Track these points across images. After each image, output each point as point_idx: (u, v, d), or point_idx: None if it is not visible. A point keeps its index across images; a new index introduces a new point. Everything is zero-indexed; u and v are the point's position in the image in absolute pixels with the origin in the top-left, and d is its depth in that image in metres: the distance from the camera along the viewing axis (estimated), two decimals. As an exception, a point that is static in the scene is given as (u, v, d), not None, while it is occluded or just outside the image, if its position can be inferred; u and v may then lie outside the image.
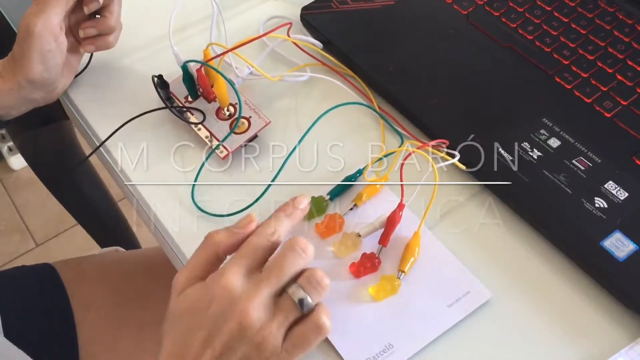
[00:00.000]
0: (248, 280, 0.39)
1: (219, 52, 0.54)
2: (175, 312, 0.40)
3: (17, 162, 1.52)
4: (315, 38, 0.60)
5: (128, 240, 1.00)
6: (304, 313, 0.39)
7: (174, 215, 0.51)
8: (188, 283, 0.41)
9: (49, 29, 0.50)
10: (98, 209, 0.93)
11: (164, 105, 0.55)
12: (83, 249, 1.34)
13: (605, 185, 0.48)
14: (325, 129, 0.54)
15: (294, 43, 0.58)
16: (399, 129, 0.54)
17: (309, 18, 0.60)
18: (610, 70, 0.54)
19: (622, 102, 0.53)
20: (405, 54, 0.57)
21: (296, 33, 0.60)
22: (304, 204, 0.45)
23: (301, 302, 0.39)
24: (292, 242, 0.40)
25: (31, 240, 1.43)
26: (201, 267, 0.42)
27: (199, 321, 0.39)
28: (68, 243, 1.41)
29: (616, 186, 0.48)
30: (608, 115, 0.52)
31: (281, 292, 0.40)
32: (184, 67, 0.53)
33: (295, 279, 0.40)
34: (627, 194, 0.48)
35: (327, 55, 0.58)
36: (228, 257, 0.43)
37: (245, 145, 0.53)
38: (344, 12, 0.60)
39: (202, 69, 0.53)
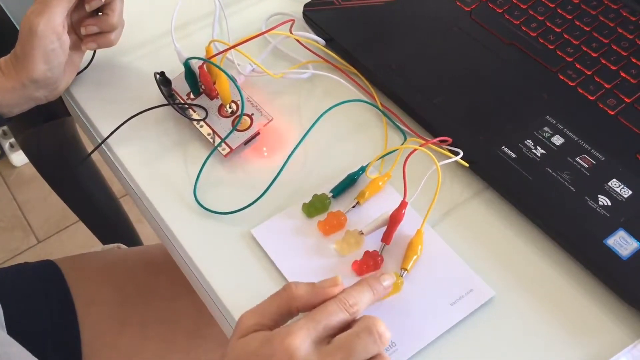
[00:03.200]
0: (314, 350, 0.37)
1: (221, 49, 0.54)
2: (232, 354, 0.38)
3: (19, 158, 1.52)
4: (318, 35, 0.59)
5: (130, 237, 1.00)
6: None
7: (176, 212, 0.51)
8: (254, 328, 0.39)
9: (51, 28, 0.49)
10: (100, 205, 0.93)
11: (166, 102, 0.55)
12: (85, 246, 1.34)
13: (609, 183, 0.48)
14: (327, 126, 0.54)
15: (297, 40, 0.58)
16: (402, 127, 0.54)
17: (311, 15, 0.60)
18: (614, 68, 0.54)
19: (626, 99, 0.52)
20: (408, 51, 0.57)
21: (298, 30, 0.60)
22: (389, 282, 0.42)
23: None
24: (370, 325, 0.38)
25: (33, 236, 1.43)
26: (271, 316, 0.39)
27: None
28: (70, 240, 1.41)
29: (620, 184, 0.48)
30: (612, 113, 0.52)
31: None
32: (186, 64, 0.53)
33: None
34: (630, 192, 0.47)
35: (330, 52, 0.58)
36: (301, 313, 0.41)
37: (248, 142, 0.53)
38: (346, 8, 0.60)
39: (205, 66, 0.53)
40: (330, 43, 0.59)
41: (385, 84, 0.56)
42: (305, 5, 0.61)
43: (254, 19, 0.63)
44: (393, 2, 0.60)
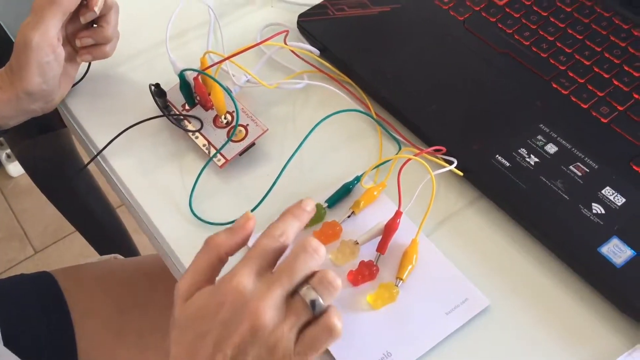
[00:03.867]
0: (259, 281, 0.38)
1: (216, 60, 0.54)
2: (182, 319, 0.39)
3: (16, 169, 1.52)
4: (312, 45, 0.60)
5: (127, 247, 1.00)
6: (315, 315, 0.39)
7: (172, 223, 0.51)
8: (193, 288, 0.40)
9: (46, 41, 0.50)
10: (96, 216, 0.93)
11: (161, 114, 0.55)
12: (82, 256, 1.34)
13: (603, 191, 0.48)
14: (322, 136, 0.54)
15: (291, 50, 0.58)
16: (397, 136, 0.54)
17: (305, 25, 0.61)
18: (606, 76, 0.55)
19: (618, 107, 0.53)
20: (402, 60, 0.57)
21: (293, 40, 0.60)
22: (311, 206, 0.44)
23: (313, 303, 0.38)
24: (304, 243, 0.40)
25: (30, 247, 1.43)
26: (204, 271, 0.41)
27: (208, 325, 0.38)
28: (67, 250, 1.41)
29: (613, 192, 0.48)
30: (605, 121, 0.52)
31: (293, 293, 0.39)
32: (181, 76, 0.53)
33: (306, 280, 0.39)
34: (624, 200, 0.48)
35: (324, 62, 0.58)
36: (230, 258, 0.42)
37: (243, 153, 0.53)
38: (340, 18, 0.60)
39: (199, 77, 0.53)
40: (324, 53, 0.59)
41: (379, 94, 0.56)
42: (300, 16, 0.61)
43: (249, 29, 0.63)
44: (387, 12, 0.61)
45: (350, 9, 0.61)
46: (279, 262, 0.40)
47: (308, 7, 0.62)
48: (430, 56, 0.58)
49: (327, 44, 0.59)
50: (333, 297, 0.39)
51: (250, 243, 0.42)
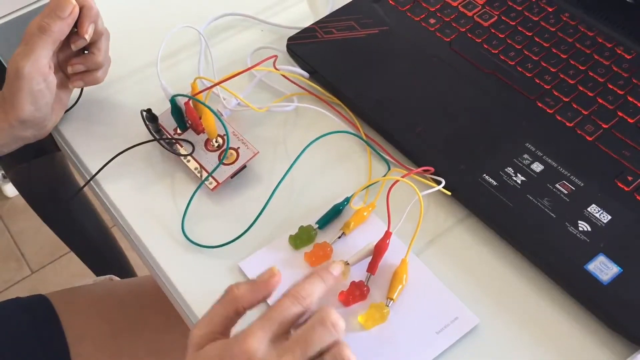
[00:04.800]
0: (272, 348, 0.38)
1: (207, 85, 0.55)
2: None
3: (12, 189, 1.52)
4: (302, 67, 0.61)
5: (122, 267, 1.01)
6: None
7: (165, 247, 0.51)
8: (206, 338, 0.39)
9: (37, 70, 0.50)
10: (92, 237, 0.93)
11: (152, 138, 0.55)
12: (78, 275, 1.34)
13: (589, 209, 0.49)
14: (313, 157, 0.55)
15: (282, 74, 0.59)
16: (386, 156, 0.55)
17: (294, 48, 0.61)
18: (591, 94, 0.55)
19: (603, 125, 0.53)
20: (390, 82, 0.58)
21: (283, 62, 0.61)
22: (339, 271, 0.43)
23: None
24: (323, 316, 0.38)
25: (27, 267, 1.43)
26: (220, 322, 0.40)
27: None
28: (63, 269, 1.41)
29: (599, 209, 0.49)
30: (590, 139, 0.53)
31: None
32: (172, 101, 0.54)
33: (321, 354, 0.38)
34: (610, 217, 0.48)
35: (314, 84, 0.59)
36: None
37: (234, 175, 0.54)
38: (329, 41, 0.61)
39: (190, 101, 0.54)
40: (314, 75, 0.60)
41: (368, 115, 0.57)
42: (289, 39, 0.62)
43: (239, 52, 0.64)
44: (374, 34, 0.62)
45: (338, 32, 0.62)
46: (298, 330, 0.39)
47: (297, 30, 0.63)
48: (417, 77, 0.58)
49: (316, 67, 0.60)
50: None
51: (271, 300, 0.41)
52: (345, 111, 0.58)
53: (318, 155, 0.56)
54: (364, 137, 0.56)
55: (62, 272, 1.40)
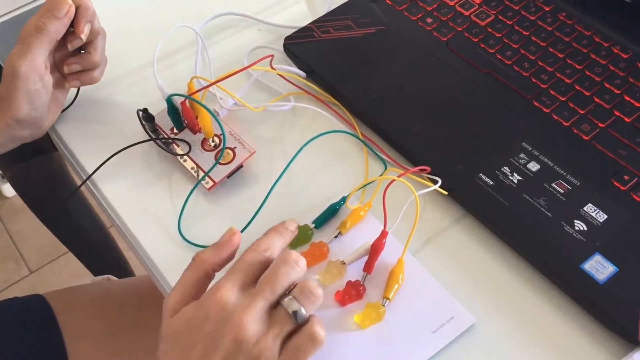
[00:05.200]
0: (243, 294, 0.40)
1: (203, 84, 0.55)
2: (169, 333, 0.40)
3: (10, 189, 1.52)
4: (299, 67, 0.61)
5: (120, 266, 1.01)
6: (298, 324, 0.40)
7: (161, 247, 0.51)
8: (180, 304, 0.41)
9: (34, 69, 0.50)
10: (90, 237, 0.93)
11: (149, 138, 0.55)
12: (77, 275, 1.34)
13: (585, 208, 0.49)
14: (309, 157, 0.55)
15: (278, 74, 0.59)
16: (383, 156, 0.55)
17: (291, 48, 0.61)
18: (587, 94, 0.55)
19: (599, 124, 0.53)
20: (387, 81, 0.58)
21: (280, 62, 0.61)
22: (293, 226, 0.47)
23: (295, 313, 0.40)
24: (284, 255, 0.41)
25: (25, 267, 1.43)
26: (191, 286, 0.42)
27: (194, 339, 0.39)
28: (62, 269, 1.41)
29: (595, 209, 0.49)
30: (586, 138, 0.53)
31: (276, 304, 0.40)
32: (169, 101, 0.54)
33: (288, 291, 0.41)
34: (606, 216, 0.48)
35: (311, 83, 0.59)
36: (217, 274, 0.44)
37: (231, 175, 0.54)
38: (326, 41, 0.61)
39: (187, 101, 0.54)
40: (310, 75, 0.60)
41: (365, 114, 0.57)
42: (286, 39, 0.62)
43: (236, 51, 0.64)
44: (371, 34, 0.62)
45: (335, 31, 0.62)
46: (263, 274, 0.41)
47: (294, 30, 0.63)
48: (414, 77, 0.58)
49: (313, 66, 0.60)
50: (315, 307, 0.41)
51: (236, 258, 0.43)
52: (342, 110, 0.58)
53: (315, 154, 0.55)
54: (361, 136, 0.56)
55: (61, 272, 1.41)
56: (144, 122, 0.55)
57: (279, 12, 0.68)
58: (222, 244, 0.43)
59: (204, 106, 0.52)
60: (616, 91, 0.55)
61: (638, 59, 0.57)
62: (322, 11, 0.66)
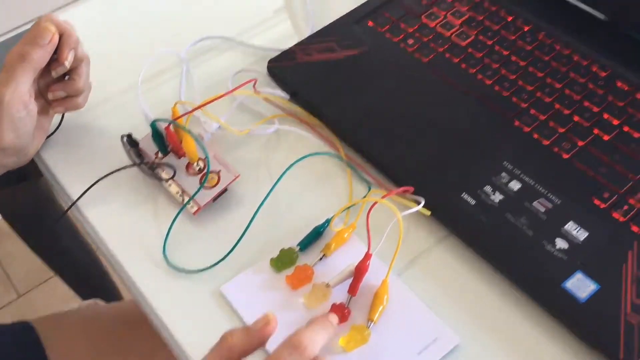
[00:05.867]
0: None
1: (188, 109, 0.55)
2: None
3: (-2, 212, 1.52)
4: (283, 89, 0.61)
5: (109, 290, 1.00)
6: None
7: (146, 273, 0.51)
8: None
9: (18, 98, 0.51)
10: (78, 261, 0.93)
11: (134, 163, 0.56)
12: (65, 298, 1.33)
13: (566, 227, 0.49)
14: (294, 179, 0.55)
15: (262, 97, 0.59)
16: (366, 177, 0.56)
17: (275, 70, 0.62)
18: (567, 112, 0.56)
19: (579, 143, 0.54)
20: (370, 102, 0.59)
21: (264, 84, 0.62)
22: (336, 320, 0.44)
23: None
24: None
25: (13, 291, 1.42)
26: None
27: None
28: (51, 292, 1.40)
29: (576, 226, 0.49)
30: (566, 157, 0.54)
31: None
32: (153, 126, 0.54)
33: None
34: (587, 234, 0.49)
35: (295, 105, 0.60)
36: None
37: (216, 199, 0.54)
38: (309, 63, 0.62)
39: (171, 126, 0.54)
40: (294, 97, 0.61)
41: (348, 135, 0.57)
42: (270, 61, 0.63)
43: (220, 74, 0.64)
44: (354, 55, 0.62)
45: (318, 54, 0.63)
46: None
47: (278, 52, 0.64)
48: (396, 98, 0.59)
49: (297, 88, 0.60)
50: None
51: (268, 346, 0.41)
52: (326, 132, 0.59)
53: (299, 177, 0.56)
54: (345, 157, 0.57)
55: (49, 296, 1.39)
56: (128, 147, 0.55)
57: (263, 32, 0.68)
58: (255, 331, 0.40)
59: (188, 131, 0.53)
60: (595, 109, 0.56)
61: (616, 77, 0.58)
62: (306, 32, 0.66)
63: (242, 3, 0.71)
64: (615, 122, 0.55)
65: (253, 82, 0.57)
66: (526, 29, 0.62)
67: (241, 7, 0.71)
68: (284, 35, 0.68)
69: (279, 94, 0.60)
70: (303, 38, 0.65)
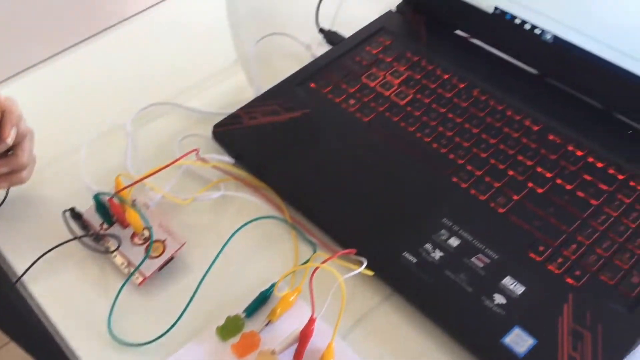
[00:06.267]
0: None
1: (136, 177, 0.56)
2: None
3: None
4: (228, 152, 0.62)
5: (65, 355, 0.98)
6: None
7: (92, 349, 0.51)
8: None
9: None
10: (33, 327, 0.91)
11: (78, 236, 0.56)
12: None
13: (503, 281, 0.51)
14: (240, 244, 0.56)
15: (206, 165, 0.60)
16: (311, 238, 0.57)
17: (220, 135, 0.63)
18: (502, 167, 0.58)
19: (514, 197, 0.56)
20: (313, 163, 0.60)
21: (210, 148, 0.63)
22: None
23: None
24: None
25: (-30, 356, 1.38)
26: None
27: None
28: (8, 357, 1.36)
29: (513, 281, 0.51)
30: (502, 211, 0.55)
31: None
32: (96, 199, 0.55)
33: None
34: (524, 288, 0.50)
35: (240, 169, 0.61)
36: None
37: (162, 268, 0.55)
38: (253, 126, 0.63)
39: (114, 197, 0.54)
40: (239, 160, 0.62)
41: (293, 197, 0.59)
42: (215, 126, 0.64)
43: (166, 140, 0.65)
44: (297, 117, 0.64)
45: (263, 116, 0.64)
46: None
47: (224, 116, 0.65)
48: (339, 158, 0.61)
49: (242, 152, 0.62)
50: None
51: None
52: (272, 194, 0.60)
53: (246, 241, 0.57)
54: (290, 220, 0.58)
55: None
56: (72, 221, 0.55)
57: (208, 96, 0.70)
58: None
59: (130, 205, 0.53)
60: (529, 163, 0.58)
61: (548, 130, 0.60)
62: (251, 94, 0.68)
63: (188, 67, 0.73)
64: (548, 174, 0.57)
65: (195, 152, 0.58)
66: (462, 86, 0.65)
67: (187, 71, 0.72)
68: (230, 97, 0.69)
69: (224, 159, 0.61)
70: (248, 101, 0.66)
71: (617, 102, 0.61)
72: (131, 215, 0.54)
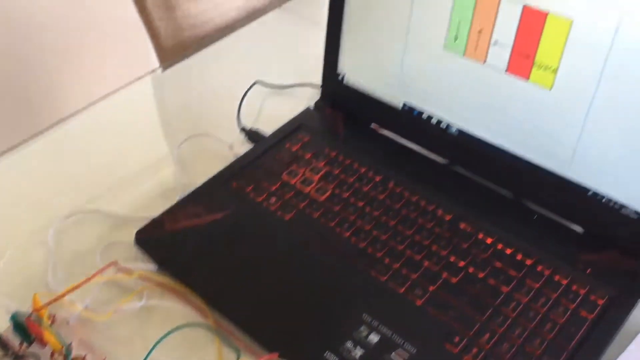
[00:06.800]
0: None
1: (50, 297, 0.56)
2: None
3: None
4: (151, 258, 0.63)
5: None
6: None
7: None
8: None
9: None
10: None
11: (-4, 358, 0.55)
12: None
13: (422, 376, 0.52)
14: (164, 353, 0.55)
15: (127, 274, 0.61)
16: (235, 343, 0.57)
17: (142, 242, 0.64)
18: (418, 257, 0.60)
19: (430, 288, 0.58)
20: (235, 266, 0.61)
21: (132, 255, 0.63)
22: None
23: None
24: None
25: None
26: None
27: None
28: None
29: (432, 375, 0.52)
30: (419, 303, 0.57)
31: None
32: (13, 318, 0.54)
33: None
34: (442, 381, 0.52)
35: (164, 275, 0.61)
36: None
37: (83, 386, 0.54)
38: (176, 232, 0.64)
39: (32, 316, 0.54)
40: (163, 266, 0.62)
41: (215, 302, 0.59)
42: (137, 233, 0.64)
43: (89, 246, 0.65)
44: (218, 219, 0.65)
45: (185, 220, 0.65)
46: None
47: (147, 220, 0.66)
48: (260, 259, 0.62)
49: (165, 258, 0.62)
50: None
51: None
52: (196, 299, 0.60)
53: (170, 350, 0.56)
54: (213, 325, 0.58)
55: None
56: (-13, 345, 0.54)
57: (135, 196, 0.70)
58: None
59: (45, 326, 0.53)
60: (442, 252, 0.61)
61: (459, 219, 0.63)
62: (176, 193, 0.68)
63: (113, 169, 0.74)
64: (461, 263, 0.60)
65: (113, 264, 0.58)
66: (378, 179, 0.68)
67: (112, 173, 0.73)
68: (155, 198, 0.70)
69: (146, 267, 0.61)
70: (173, 203, 0.67)
71: (521, 189, 0.65)
72: (48, 335, 0.53)
